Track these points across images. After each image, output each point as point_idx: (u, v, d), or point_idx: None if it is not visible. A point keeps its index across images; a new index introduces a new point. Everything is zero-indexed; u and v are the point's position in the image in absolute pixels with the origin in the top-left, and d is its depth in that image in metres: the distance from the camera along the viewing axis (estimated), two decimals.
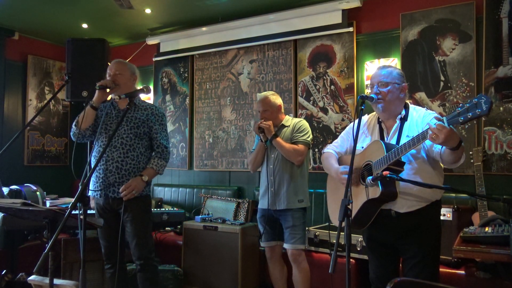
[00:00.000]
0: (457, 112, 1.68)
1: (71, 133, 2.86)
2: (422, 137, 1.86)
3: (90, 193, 2.83)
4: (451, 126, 1.74)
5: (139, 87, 2.88)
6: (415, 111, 2.20)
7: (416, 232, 2.10)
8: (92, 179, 2.80)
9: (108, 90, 2.76)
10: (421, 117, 2.13)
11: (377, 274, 2.27)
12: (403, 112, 2.18)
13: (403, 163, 2.03)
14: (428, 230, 2.11)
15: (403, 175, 2.02)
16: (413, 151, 2.01)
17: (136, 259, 2.74)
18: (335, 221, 2.24)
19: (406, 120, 2.16)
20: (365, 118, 2.36)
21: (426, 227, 2.10)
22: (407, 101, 2.27)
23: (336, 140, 2.47)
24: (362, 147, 2.23)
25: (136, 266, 2.78)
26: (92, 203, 3.79)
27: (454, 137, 1.78)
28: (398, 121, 2.17)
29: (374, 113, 2.33)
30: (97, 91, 2.73)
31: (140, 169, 2.79)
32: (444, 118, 1.74)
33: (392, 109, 2.17)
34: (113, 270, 2.80)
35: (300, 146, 3.07)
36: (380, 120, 2.26)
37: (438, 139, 1.76)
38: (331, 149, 2.43)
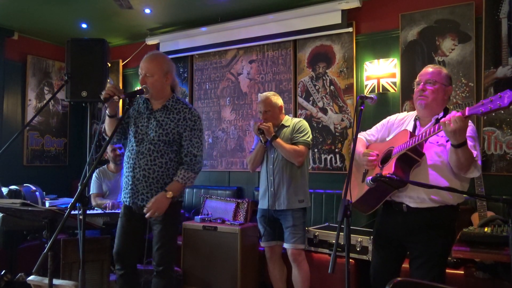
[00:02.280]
0: (481, 103, 1.74)
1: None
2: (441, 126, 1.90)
3: (121, 199, 2.72)
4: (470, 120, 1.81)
5: (137, 87, 2.77)
6: None
7: (426, 231, 2.11)
8: (124, 184, 2.69)
9: (116, 98, 2.45)
10: None
11: (376, 270, 2.30)
12: (441, 114, 2.18)
13: (422, 154, 2.07)
14: (438, 232, 2.11)
15: (430, 173, 2.07)
16: (438, 150, 2.08)
17: (156, 264, 2.62)
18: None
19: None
20: (403, 114, 2.42)
21: (436, 228, 2.11)
22: (448, 106, 2.27)
23: (371, 129, 2.51)
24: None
25: (154, 271, 2.67)
26: (108, 203, 3.78)
27: (462, 134, 1.85)
28: (433, 120, 2.17)
29: (414, 112, 2.34)
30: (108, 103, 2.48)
31: (170, 175, 2.61)
32: (467, 108, 1.80)
33: (433, 108, 2.18)
34: (124, 272, 2.67)
35: (300, 147, 3.07)
36: (417, 117, 2.27)
37: (448, 127, 1.82)
38: (362, 136, 2.49)
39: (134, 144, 2.64)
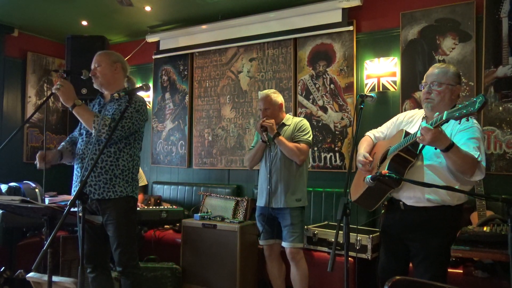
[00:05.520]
0: (456, 108, 1.73)
1: None
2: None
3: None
4: (440, 127, 1.81)
5: (138, 84, 2.79)
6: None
7: (421, 230, 2.12)
8: (74, 177, 2.65)
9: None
10: (458, 124, 2.07)
11: (383, 269, 2.30)
12: None
13: (416, 154, 2.08)
14: (434, 232, 2.11)
15: (426, 173, 2.07)
16: (437, 151, 2.01)
17: (117, 264, 2.59)
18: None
19: (447, 122, 2.10)
20: (412, 112, 2.40)
21: (433, 228, 2.11)
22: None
23: (381, 126, 2.50)
24: None
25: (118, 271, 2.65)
26: None
27: (442, 139, 1.83)
28: None
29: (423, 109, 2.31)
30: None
31: (119, 166, 2.54)
32: (445, 113, 1.78)
33: (440, 109, 2.10)
34: (95, 274, 2.64)
35: (303, 145, 3.07)
36: (424, 116, 2.25)
37: (424, 140, 1.82)
38: (371, 133, 2.49)
39: (85, 136, 2.64)
